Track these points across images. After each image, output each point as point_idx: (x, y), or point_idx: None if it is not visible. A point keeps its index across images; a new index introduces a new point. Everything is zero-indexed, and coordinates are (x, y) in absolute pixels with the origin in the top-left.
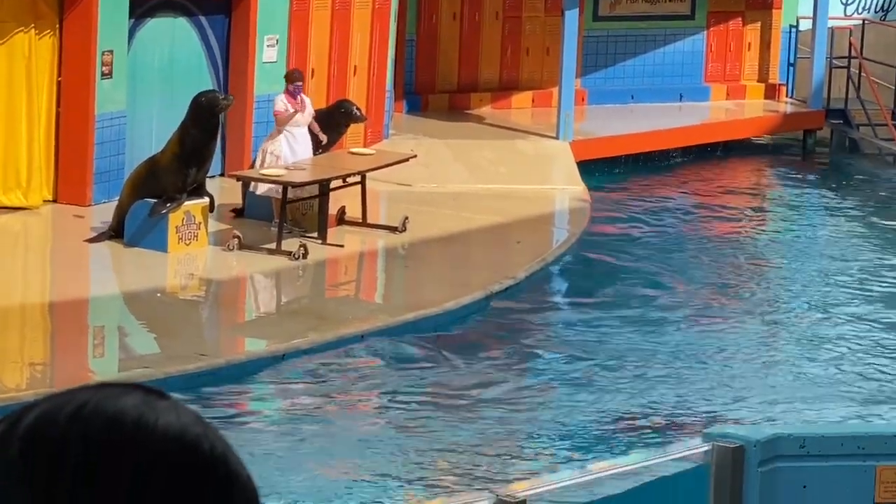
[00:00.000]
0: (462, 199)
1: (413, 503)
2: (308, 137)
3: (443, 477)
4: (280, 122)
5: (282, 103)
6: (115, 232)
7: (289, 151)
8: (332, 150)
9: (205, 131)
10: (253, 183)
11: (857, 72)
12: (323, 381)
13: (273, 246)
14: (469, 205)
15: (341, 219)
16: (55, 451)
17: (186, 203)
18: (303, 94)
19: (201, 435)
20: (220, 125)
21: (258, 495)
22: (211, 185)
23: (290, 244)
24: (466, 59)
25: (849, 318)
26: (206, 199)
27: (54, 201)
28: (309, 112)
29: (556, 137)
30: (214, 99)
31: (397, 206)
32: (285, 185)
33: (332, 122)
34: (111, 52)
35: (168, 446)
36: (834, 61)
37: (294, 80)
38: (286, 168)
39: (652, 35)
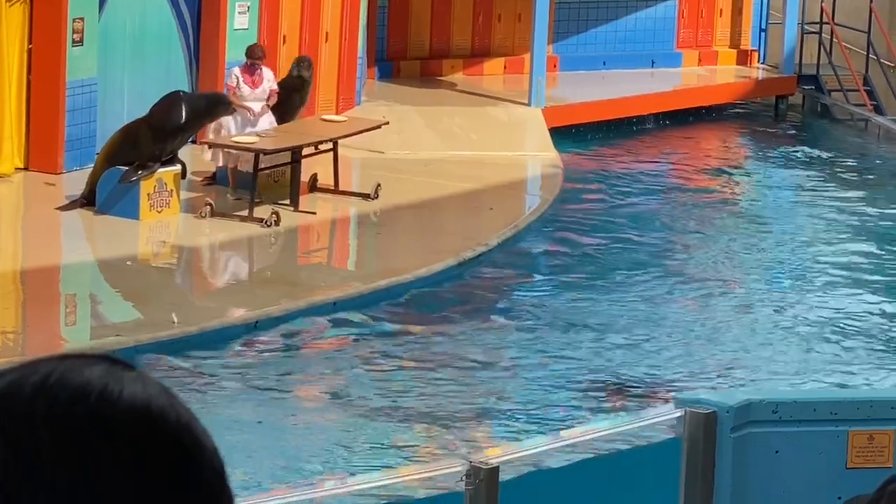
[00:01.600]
0: (434, 166)
1: (385, 470)
2: (264, 112)
3: (415, 443)
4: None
5: (234, 78)
6: (88, 199)
7: (234, 125)
8: (301, 116)
9: (199, 114)
10: (211, 153)
11: (829, 37)
12: (295, 349)
13: (245, 213)
14: (441, 171)
15: (313, 186)
16: (21, 423)
17: (158, 170)
18: (263, 70)
19: (167, 405)
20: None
21: (224, 465)
22: (182, 152)
23: (263, 211)
24: (438, 26)
25: (821, 283)
26: (178, 167)
27: (26, 169)
28: (262, 89)
29: (528, 104)
30: (226, 105)
31: (369, 172)
32: (257, 153)
33: (289, 85)
34: (82, 19)
35: (134, 417)
36: (806, 27)
37: (253, 56)
38: (258, 135)
39: (624, 1)
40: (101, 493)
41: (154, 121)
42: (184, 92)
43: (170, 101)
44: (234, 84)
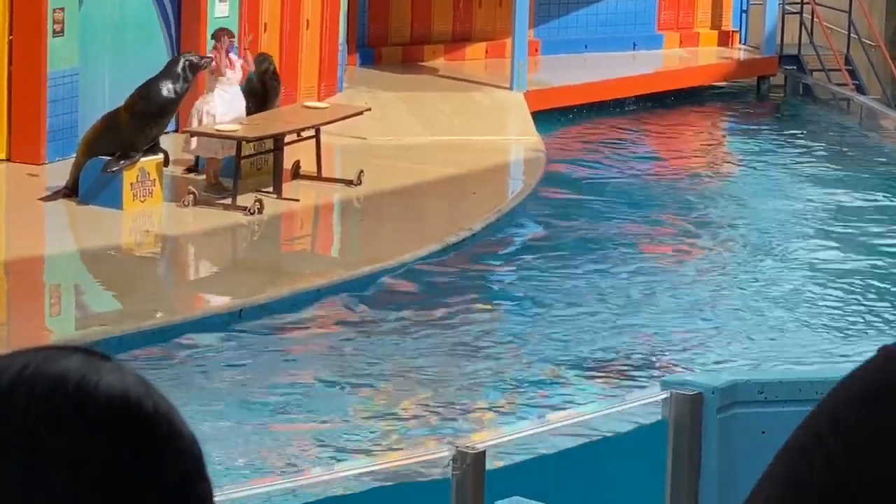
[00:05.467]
0: (417, 152)
1: (373, 456)
2: (241, 96)
3: (402, 430)
4: (219, 72)
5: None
6: (71, 190)
7: (224, 110)
8: (282, 103)
9: (177, 89)
10: (188, 141)
11: (810, 17)
12: (280, 337)
13: (228, 201)
14: (424, 157)
15: (296, 173)
16: (0, 416)
17: (141, 160)
18: (233, 55)
19: (144, 395)
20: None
21: (203, 454)
22: (165, 140)
23: (246, 199)
24: (419, 12)
25: (803, 261)
26: (161, 156)
27: (8, 160)
28: (239, 68)
29: (511, 88)
30: (197, 61)
31: (352, 159)
32: (239, 140)
33: (258, 84)
34: (62, 9)
35: (111, 406)
36: (787, 7)
37: (219, 38)
38: (240, 123)
39: None
40: (78, 480)
41: (134, 108)
42: (154, 77)
43: (146, 87)
44: (217, 64)
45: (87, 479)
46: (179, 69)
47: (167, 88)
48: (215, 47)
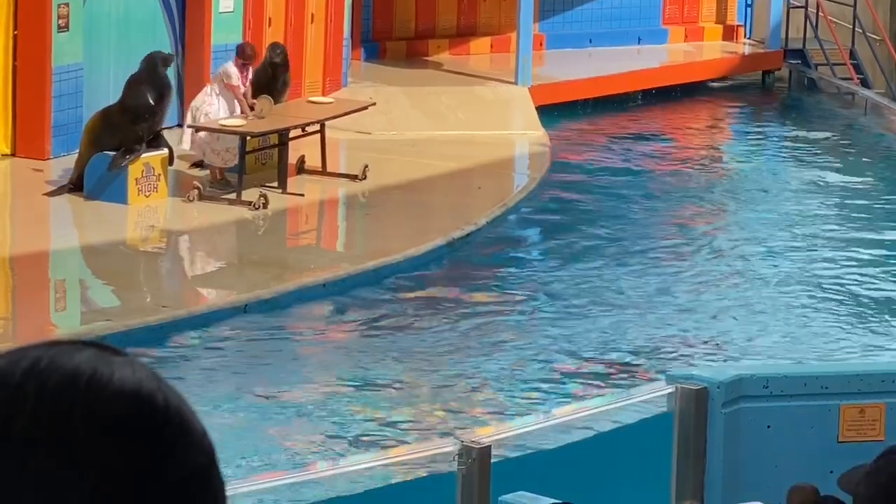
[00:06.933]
0: (422, 146)
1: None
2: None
3: (407, 425)
4: (234, 95)
5: (236, 78)
6: (75, 185)
7: (222, 113)
8: (288, 98)
9: (157, 87)
10: (184, 136)
11: (815, 11)
12: (285, 332)
13: (233, 196)
14: (429, 151)
15: (301, 168)
16: (11, 410)
17: (145, 155)
18: (249, 73)
19: (156, 389)
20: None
21: (213, 449)
22: (170, 135)
23: (251, 194)
24: (423, 6)
25: (808, 255)
26: (165, 151)
27: (13, 155)
28: (248, 85)
29: (515, 83)
30: (167, 58)
31: (357, 154)
32: (244, 135)
33: (266, 76)
34: (67, 4)
35: (123, 400)
36: (791, 1)
37: (248, 58)
38: (245, 118)
39: None
40: (88, 474)
41: (128, 104)
42: (138, 72)
43: (135, 81)
44: (238, 85)
45: (98, 473)
46: (160, 63)
47: (153, 84)
48: (243, 64)
